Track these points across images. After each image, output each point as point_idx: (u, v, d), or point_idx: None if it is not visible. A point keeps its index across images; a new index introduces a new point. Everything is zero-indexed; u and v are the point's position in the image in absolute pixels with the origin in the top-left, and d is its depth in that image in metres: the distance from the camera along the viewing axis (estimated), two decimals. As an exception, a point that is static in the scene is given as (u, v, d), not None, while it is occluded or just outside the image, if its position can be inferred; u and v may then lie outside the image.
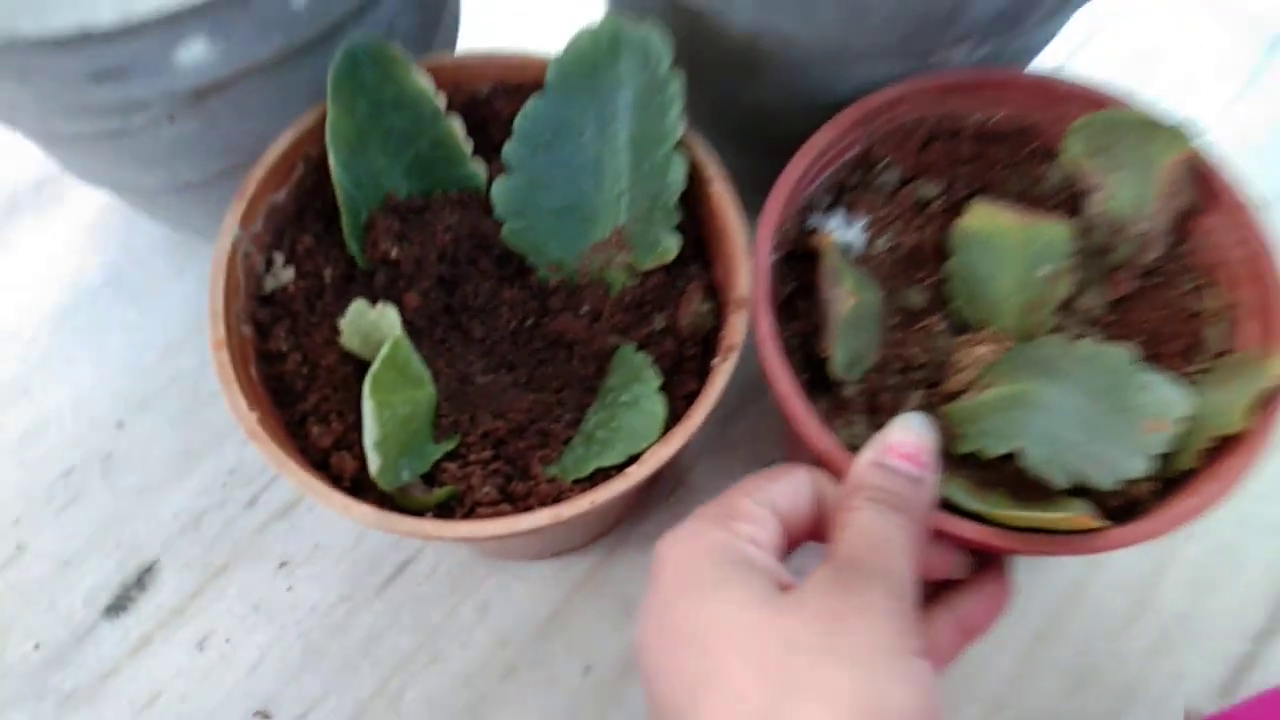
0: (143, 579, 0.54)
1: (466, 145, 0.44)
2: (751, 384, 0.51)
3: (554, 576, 0.54)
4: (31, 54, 0.35)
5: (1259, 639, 0.53)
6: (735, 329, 0.38)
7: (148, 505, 0.56)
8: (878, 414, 0.41)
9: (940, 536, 0.36)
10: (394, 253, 0.42)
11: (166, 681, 0.52)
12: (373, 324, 0.38)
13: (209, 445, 0.57)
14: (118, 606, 0.54)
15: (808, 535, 0.34)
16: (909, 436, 0.33)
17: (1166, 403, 0.38)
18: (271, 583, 0.54)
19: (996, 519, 0.36)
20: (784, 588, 0.29)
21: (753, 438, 0.57)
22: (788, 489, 0.33)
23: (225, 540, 0.55)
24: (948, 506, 0.37)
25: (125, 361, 0.59)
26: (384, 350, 0.34)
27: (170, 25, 0.35)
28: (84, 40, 0.34)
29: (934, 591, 0.37)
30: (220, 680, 0.52)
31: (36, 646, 0.53)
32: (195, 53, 0.37)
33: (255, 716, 0.51)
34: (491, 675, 0.52)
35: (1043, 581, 0.55)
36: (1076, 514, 0.35)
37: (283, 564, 0.54)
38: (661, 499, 0.56)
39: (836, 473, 0.37)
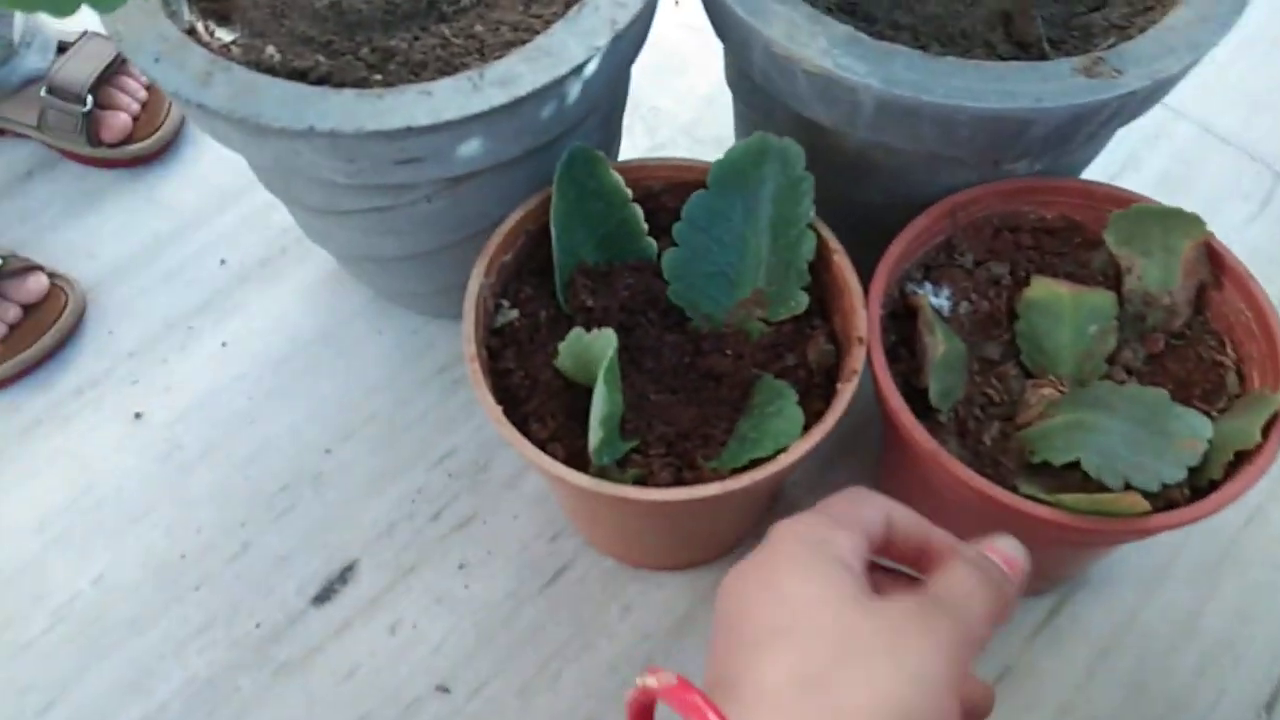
0: (345, 574, 0.66)
1: (643, 226, 0.58)
2: (846, 436, 0.62)
3: (686, 585, 0.65)
4: (363, 142, 0.49)
5: (1288, 656, 0.62)
6: (856, 358, 0.51)
7: (350, 515, 0.68)
8: (966, 437, 0.53)
9: (1023, 518, 0.47)
10: (589, 302, 0.56)
11: (363, 658, 0.63)
12: (586, 346, 0.50)
13: (401, 469, 0.69)
14: (324, 596, 0.65)
15: (878, 552, 0.37)
16: (1010, 550, 0.37)
17: (1197, 427, 0.50)
18: (452, 581, 0.65)
19: (1067, 504, 0.47)
20: (870, 594, 0.33)
21: (852, 471, 0.68)
22: (876, 516, 0.37)
23: (414, 546, 0.67)
24: (1028, 500, 0.48)
25: (333, 400, 0.72)
26: (610, 352, 0.47)
27: (462, 126, 0.50)
28: (405, 133, 0.49)
29: None
30: (407, 659, 0.63)
31: (258, 625, 0.64)
32: (472, 148, 0.51)
33: (437, 690, 0.62)
34: (634, 664, 0.62)
35: (1104, 608, 0.64)
36: (1129, 495, 0.46)
37: (461, 566, 0.66)
38: (780, 511, 0.67)
39: (935, 469, 0.48)
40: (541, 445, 0.51)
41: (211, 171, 0.84)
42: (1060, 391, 0.55)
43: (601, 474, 0.50)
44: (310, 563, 0.66)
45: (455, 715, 0.61)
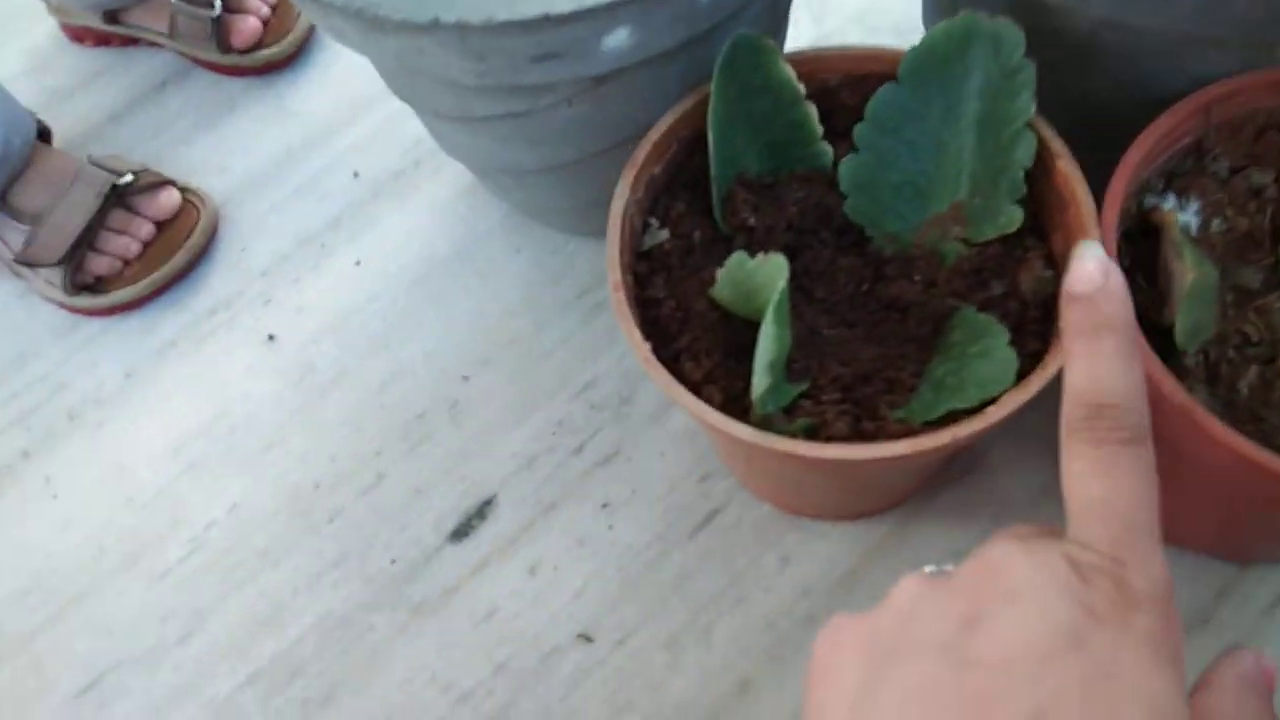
0: (483, 510, 0.62)
1: (818, 129, 0.49)
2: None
3: (851, 537, 0.58)
4: (495, 35, 0.42)
5: None
6: (1087, 289, 0.42)
7: (489, 446, 0.63)
8: (1217, 384, 0.43)
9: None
10: (750, 220, 0.48)
11: (501, 600, 0.59)
12: (750, 273, 0.43)
13: (542, 399, 0.64)
14: (461, 532, 0.61)
15: None
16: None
17: None
18: (594, 521, 0.60)
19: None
20: None
21: (1047, 419, 0.59)
22: None
23: (555, 481, 0.62)
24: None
25: (469, 324, 0.67)
26: (781, 283, 0.39)
27: (607, 14, 0.42)
28: (543, 23, 0.42)
29: None
30: (548, 603, 0.59)
31: (393, 561, 0.61)
32: (619, 40, 0.44)
33: (579, 638, 0.58)
34: (794, 621, 0.56)
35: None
36: None
37: (604, 505, 0.61)
38: (955, 478, 0.59)
39: (1186, 429, 0.39)
40: (696, 388, 0.44)
41: (343, 78, 0.80)
42: (1340, 330, 0.44)
43: (765, 423, 0.43)
44: (447, 496, 0.62)
45: (599, 667, 0.57)
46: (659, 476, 0.61)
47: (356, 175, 0.75)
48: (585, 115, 0.50)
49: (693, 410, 0.42)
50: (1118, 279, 0.28)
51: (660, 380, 0.43)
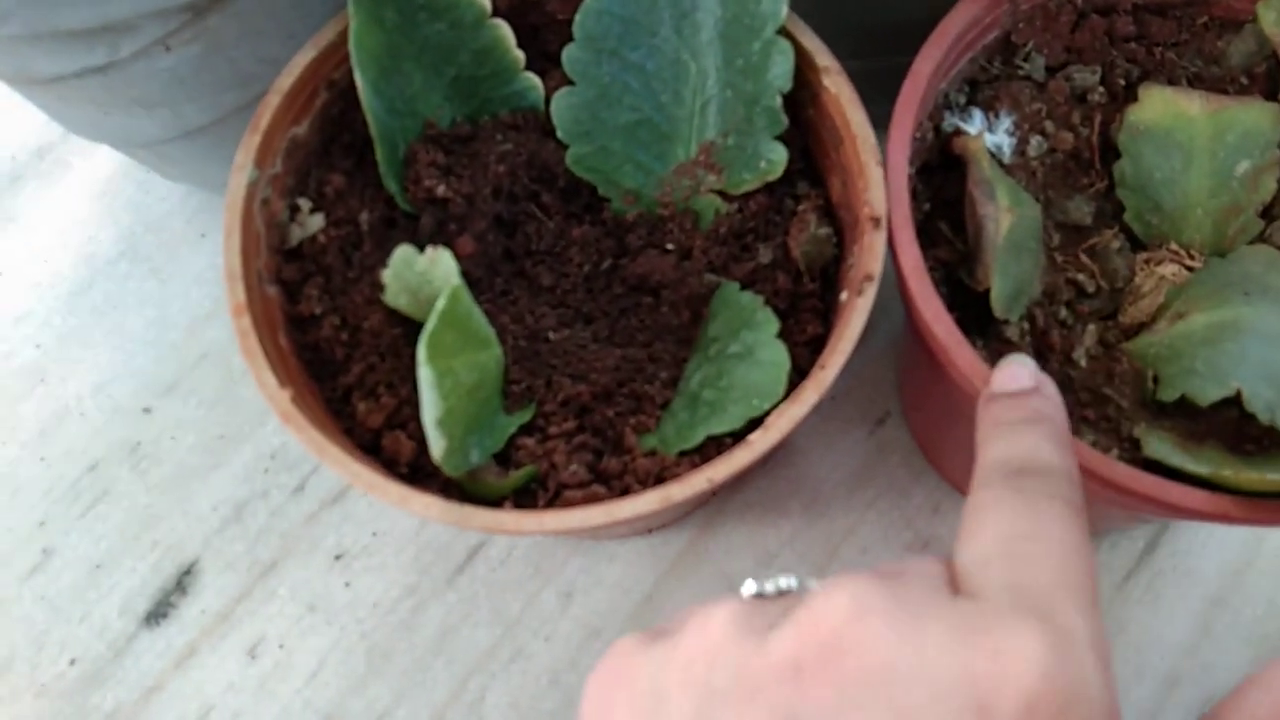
0: (183, 581, 0.48)
1: (517, 55, 0.36)
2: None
3: (645, 555, 0.48)
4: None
5: None
6: (873, 253, 0.31)
7: (183, 498, 0.49)
8: (1048, 357, 0.33)
9: (1157, 505, 0.28)
10: (440, 190, 0.35)
11: (217, 696, 0.46)
12: (422, 274, 0.30)
13: (247, 428, 0.51)
14: (157, 614, 0.48)
15: None
16: (1016, 372, 0.27)
17: None
18: (327, 578, 0.48)
19: (1242, 485, 0.28)
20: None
21: (860, 388, 0.50)
22: None
23: (272, 533, 0.49)
24: (1153, 467, 0.29)
25: (148, 340, 0.53)
26: (440, 304, 0.27)
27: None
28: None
29: None
30: (276, 692, 0.46)
31: (72, 662, 0.47)
32: (183, -51, 0.30)
33: (319, 730, 0.46)
34: (582, 672, 0.46)
35: (1216, 543, 0.47)
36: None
37: (338, 556, 0.48)
38: (760, 464, 0.49)
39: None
40: (374, 439, 0.32)
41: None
42: (1188, 269, 0.35)
43: (470, 478, 0.31)
44: (136, 570, 0.49)
45: (347, 765, 0.45)
46: (404, 511, 0.49)
47: (-11, 156, 0.58)
48: (197, 61, 0.36)
49: (355, 481, 0.30)
50: (1051, 387, 0.26)
51: (307, 440, 0.30)
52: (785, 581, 0.23)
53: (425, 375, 0.27)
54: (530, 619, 0.47)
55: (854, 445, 0.49)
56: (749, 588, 0.23)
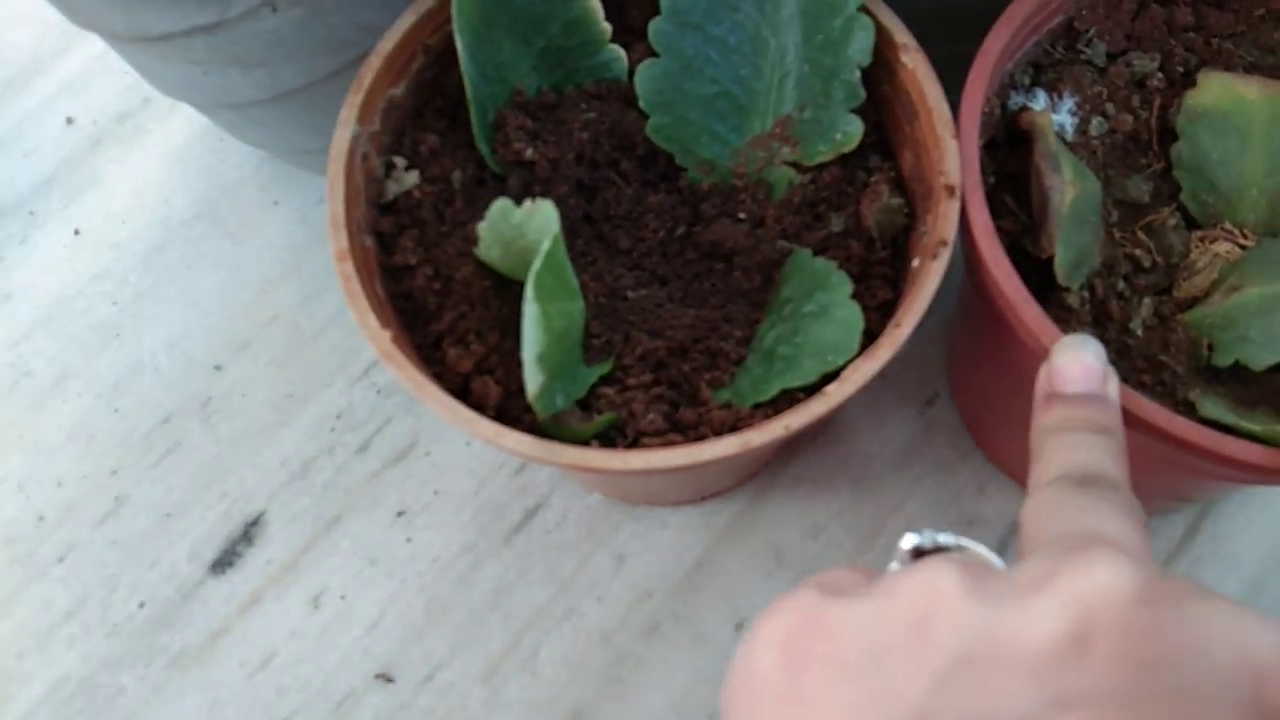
0: (249, 532, 0.50)
1: (605, 28, 0.38)
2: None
3: (696, 523, 0.49)
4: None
5: None
6: (948, 221, 0.32)
7: (252, 453, 0.51)
8: (1106, 325, 0.35)
9: (1209, 456, 0.30)
10: (528, 153, 0.37)
11: (280, 642, 0.48)
12: (517, 227, 0.32)
13: (315, 387, 0.52)
14: (224, 562, 0.50)
15: None
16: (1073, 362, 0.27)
17: None
18: (388, 534, 0.49)
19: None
20: None
21: (911, 369, 0.51)
22: None
23: (336, 489, 0.50)
24: (1210, 424, 0.31)
25: (221, 300, 0.55)
26: (545, 246, 0.29)
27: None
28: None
29: None
30: (337, 641, 0.48)
31: (141, 605, 0.49)
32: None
33: (377, 679, 0.47)
34: (633, 632, 0.47)
35: (1256, 527, 0.48)
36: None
37: (400, 513, 0.50)
38: (809, 438, 0.50)
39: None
40: (464, 383, 0.34)
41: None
42: (1241, 247, 0.36)
43: (557, 424, 0.32)
44: (205, 519, 0.50)
45: (402, 712, 0.47)
46: (465, 472, 0.50)
47: (70, 122, 0.60)
48: (301, 23, 0.38)
49: (451, 419, 0.31)
50: (1115, 386, 0.25)
51: (406, 377, 0.32)
52: (945, 538, 0.22)
53: (530, 313, 0.29)
54: (583, 579, 0.49)
55: (903, 424, 0.51)
56: (908, 540, 0.22)
